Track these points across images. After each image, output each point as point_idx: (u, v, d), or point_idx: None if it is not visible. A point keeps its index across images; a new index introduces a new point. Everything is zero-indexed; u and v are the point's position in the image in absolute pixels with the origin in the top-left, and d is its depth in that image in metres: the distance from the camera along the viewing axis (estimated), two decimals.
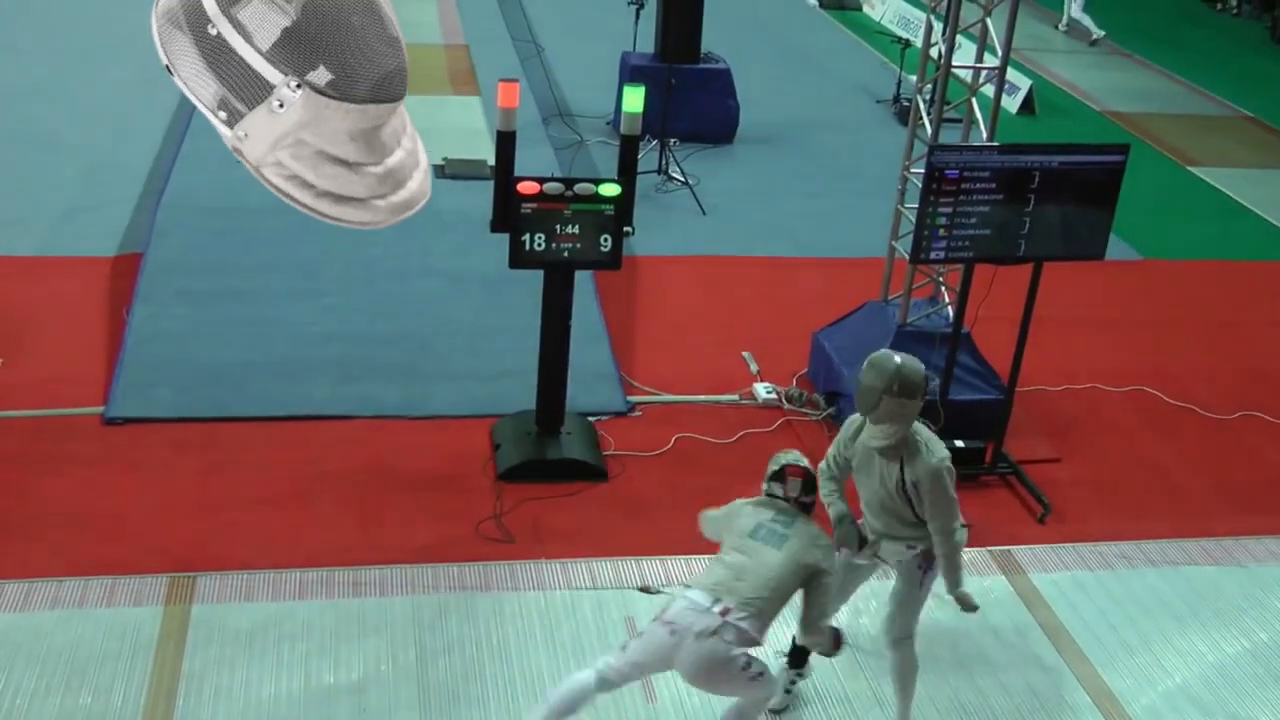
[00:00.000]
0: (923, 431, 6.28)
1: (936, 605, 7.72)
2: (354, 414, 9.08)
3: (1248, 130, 18.18)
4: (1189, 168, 16.04)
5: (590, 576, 7.65)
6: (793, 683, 6.84)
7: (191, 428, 8.78)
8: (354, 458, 8.60)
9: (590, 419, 9.09)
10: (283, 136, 2.11)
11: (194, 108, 2.04)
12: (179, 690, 6.59)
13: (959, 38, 9.31)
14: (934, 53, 9.36)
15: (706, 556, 7.82)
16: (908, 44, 16.75)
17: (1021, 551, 8.26)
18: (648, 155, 13.18)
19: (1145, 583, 8.10)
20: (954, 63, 9.11)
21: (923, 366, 6.30)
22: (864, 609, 7.37)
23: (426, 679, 6.77)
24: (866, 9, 23.04)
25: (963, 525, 6.30)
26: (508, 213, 8.02)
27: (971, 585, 7.86)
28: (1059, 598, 7.85)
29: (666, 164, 13.57)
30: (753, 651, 5.86)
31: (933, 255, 8.41)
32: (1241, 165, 16.43)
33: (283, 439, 8.76)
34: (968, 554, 8.12)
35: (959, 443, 8.86)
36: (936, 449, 6.18)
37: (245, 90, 2.06)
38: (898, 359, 6.20)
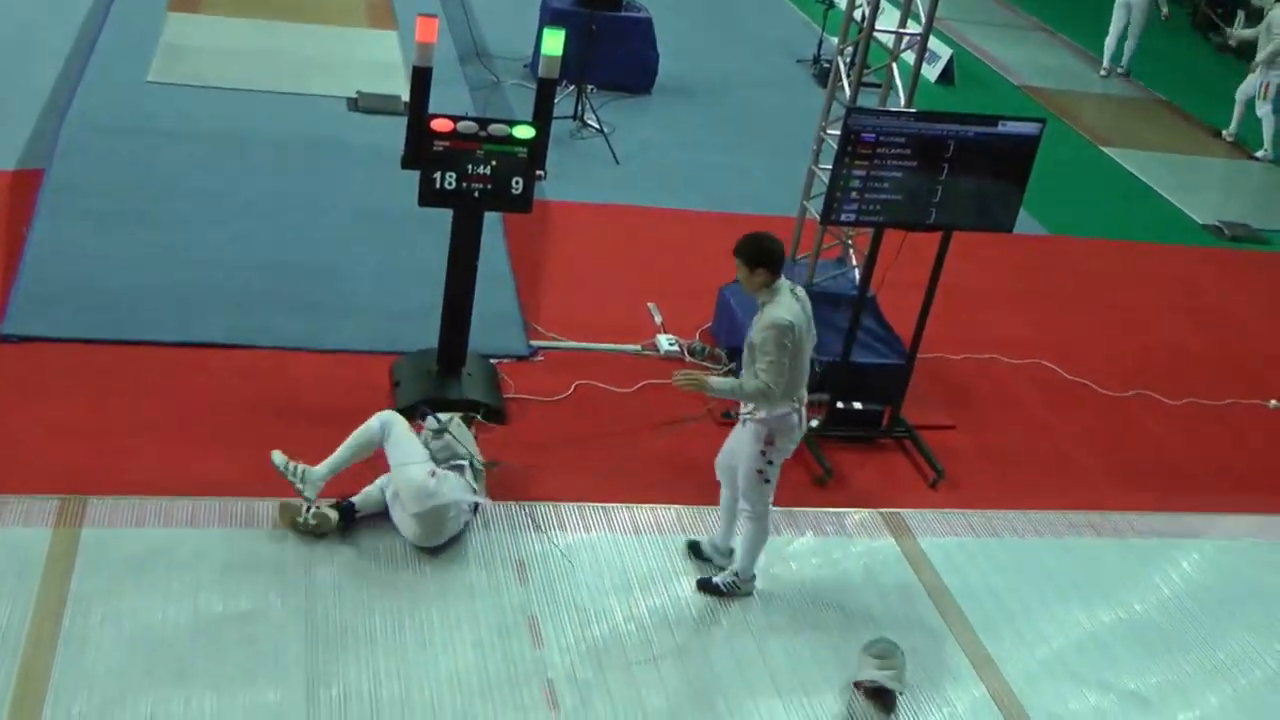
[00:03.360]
0: None
1: (822, 564, 7.84)
2: (255, 344, 8.97)
3: (1161, 114, 18.40)
4: (1102, 147, 16.23)
5: (481, 517, 7.63)
6: None
7: (88, 349, 8.63)
8: (253, 388, 8.51)
9: (492, 361, 9.08)
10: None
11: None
12: (65, 612, 6.51)
13: (883, 2, 9.35)
14: (857, 15, 9.39)
15: (601, 505, 7.91)
16: (831, 5, 16.78)
17: (911, 515, 8.37)
18: (564, 101, 13.10)
19: (1030, 552, 8.25)
20: (877, 27, 9.14)
21: None
22: None
23: (314, 612, 6.74)
24: None
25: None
26: (420, 150, 7.96)
27: (861, 545, 8.01)
28: (945, 563, 7.97)
29: (583, 110, 13.50)
30: None
31: (843, 217, 8.44)
32: (1152, 149, 16.64)
33: (181, 366, 8.64)
34: (860, 514, 8.27)
35: (858, 405, 8.98)
36: None
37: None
38: None
